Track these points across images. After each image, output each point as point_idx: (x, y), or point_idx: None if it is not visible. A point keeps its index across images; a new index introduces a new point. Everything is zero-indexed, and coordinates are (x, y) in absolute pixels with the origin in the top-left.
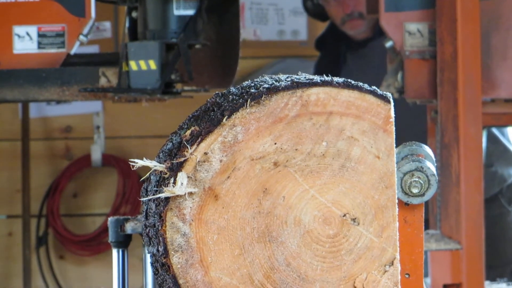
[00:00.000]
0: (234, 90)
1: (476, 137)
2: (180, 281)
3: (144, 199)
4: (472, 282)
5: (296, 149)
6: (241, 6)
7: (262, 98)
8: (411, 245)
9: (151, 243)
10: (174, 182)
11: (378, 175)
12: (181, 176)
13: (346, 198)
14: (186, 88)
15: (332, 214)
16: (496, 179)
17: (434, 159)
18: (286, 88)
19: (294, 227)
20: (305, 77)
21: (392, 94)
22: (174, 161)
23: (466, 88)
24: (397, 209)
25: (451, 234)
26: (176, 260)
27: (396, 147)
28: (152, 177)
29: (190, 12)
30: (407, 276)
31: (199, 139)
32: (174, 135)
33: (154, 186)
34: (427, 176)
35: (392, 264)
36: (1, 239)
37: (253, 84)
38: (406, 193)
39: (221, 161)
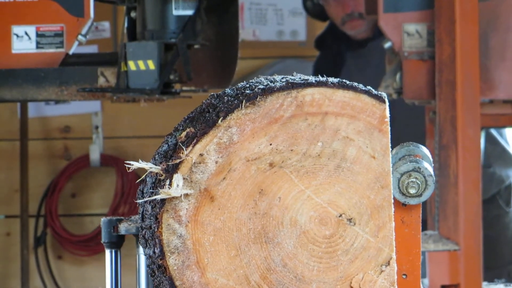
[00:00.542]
0: (229, 91)
1: (475, 138)
2: (177, 283)
3: (140, 201)
4: (470, 283)
5: (292, 150)
6: (240, 6)
7: (257, 99)
8: (409, 246)
9: (148, 245)
10: (170, 184)
11: (374, 175)
12: (177, 178)
13: (342, 198)
14: (184, 88)
15: (328, 214)
16: (494, 180)
17: (431, 159)
18: (281, 89)
19: (290, 227)
20: (300, 78)
21: (390, 95)
22: (169, 163)
23: (465, 89)
24: (393, 209)
25: (449, 235)
26: (172, 261)
27: (394, 147)
28: (148, 179)
29: (189, 12)
30: (404, 276)
31: (195, 140)
32: (169, 136)
33: (150, 188)
34: (424, 177)
35: (389, 264)
36: None
37: (248, 85)
38: (403, 194)
39: (216, 162)
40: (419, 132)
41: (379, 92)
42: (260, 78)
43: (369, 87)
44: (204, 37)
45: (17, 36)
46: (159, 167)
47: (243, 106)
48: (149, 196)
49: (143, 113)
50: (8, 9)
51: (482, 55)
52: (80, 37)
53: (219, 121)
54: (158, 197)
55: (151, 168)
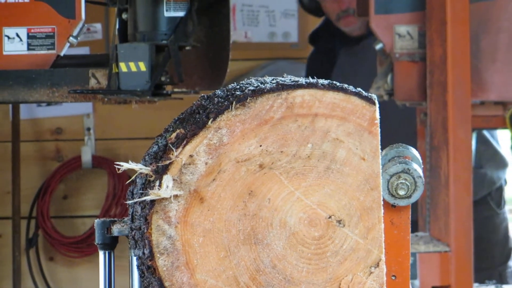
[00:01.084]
0: (219, 92)
1: (465, 139)
2: (166, 284)
3: (130, 202)
4: (460, 284)
5: (282, 151)
6: (232, 8)
7: (247, 101)
8: (398, 247)
9: (137, 245)
10: (160, 185)
11: (364, 177)
12: (167, 179)
13: (331, 200)
14: (176, 90)
15: (317, 216)
16: (485, 181)
17: (421, 161)
18: (271, 90)
19: (279, 229)
20: (290, 79)
21: (381, 96)
22: (159, 164)
23: (456, 90)
24: (382, 210)
25: (440, 236)
26: (162, 262)
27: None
28: (138, 180)
29: (180, 13)
30: (393, 278)
31: (185, 141)
32: (159, 137)
33: (140, 189)
34: (413, 178)
35: (378, 265)
36: None
37: (238, 87)
38: (392, 195)
39: (206, 163)
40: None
41: (369, 94)
42: (250, 80)
43: (359, 89)
44: (195, 38)
45: (8, 37)
46: (149, 168)
47: (233, 107)
48: (139, 197)
49: (135, 114)
50: None
51: (473, 56)
52: (71, 38)
53: (209, 122)
54: (147, 198)
55: (141, 169)
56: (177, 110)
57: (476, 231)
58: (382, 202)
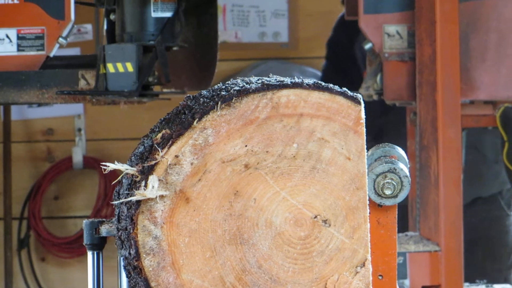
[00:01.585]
0: (205, 92)
1: (455, 138)
2: (152, 284)
3: (116, 202)
4: (451, 284)
5: (267, 151)
6: (222, 8)
7: (233, 101)
8: (384, 247)
9: (123, 246)
10: (145, 185)
11: (349, 177)
12: (152, 179)
13: (317, 199)
14: (164, 90)
15: (303, 216)
16: (499, 178)
17: (407, 160)
18: (257, 90)
19: (265, 229)
20: (275, 79)
21: (371, 96)
22: (145, 164)
23: (445, 90)
24: (368, 210)
25: (430, 235)
26: (147, 263)
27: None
28: (124, 181)
29: (168, 14)
30: (380, 277)
31: (170, 142)
32: (145, 138)
33: (126, 189)
34: (400, 178)
35: (364, 265)
36: None
37: (224, 87)
38: (379, 195)
39: (192, 164)
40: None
41: (355, 94)
42: (236, 80)
43: (344, 89)
44: (183, 39)
45: None
46: (135, 169)
47: (218, 107)
48: (125, 198)
49: (126, 115)
50: None
51: (462, 56)
52: (61, 39)
53: (195, 122)
54: (133, 198)
55: (127, 169)
56: (168, 111)
57: (485, 231)
58: (367, 202)
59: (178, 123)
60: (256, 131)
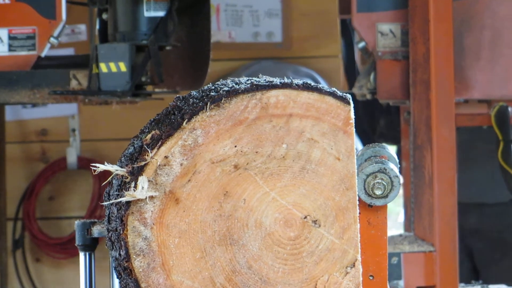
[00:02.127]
0: (194, 93)
1: (449, 138)
2: (142, 285)
3: (106, 203)
4: (445, 285)
5: (257, 152)
6: (216, 8)
7: (222, 101)
8: (375, 247)
9: (114, 247)
10: (135, 186)
11: (339, 177)
12: (142, 180)
13: (306, 200)
14: (157, 90)
15: (293, 216)
16: None
17: (397, 160)
18: (246, 91)
19: (255, 229)
20: (264, 80)
21: (364, 95)
22: (135, 165)
23: (439, 89)
24: (358, 210)
25: (424, 236)
26: (138, 264)
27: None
28: (114, 181)
29: (161, 13)
30: (371, 278)
31: (160, 142)
32: (135, 139)
33: (116, 190)
34: (390, 178)
35: (354, 265)
36: None
37: (213, 87)
38: (369, 195)
39: (181, 164)
40: None
41: (344, 94)
42: (226, 80)
43: (333, 89)
44: (175, 38)
45: None
46: (125, 170)
47: (207, 108)
48: (115, 199)
49: (120, 115)
50: None
51: (456, 54)
52: (52, 39)
53: (184, 123)
54: (123, 199)
55: (116, 170)
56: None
57: (503, 233)
58: (357, 202)
59: (168, 124)
60: (245, 131)
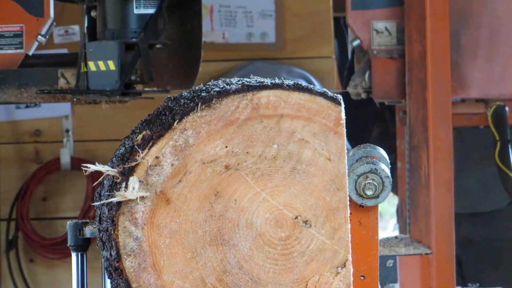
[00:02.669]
0: (186, 94)
1: (446, 138)
2: (133, 285)
3: (97, 203)
4: None
5: (247, 152)
6: (209, 9)
7: (213, 102)
8: (366, 247)
9: (105, 247)
10: (126, 187)
11: (330, 177)
12: (133, 181)
13: (297, 200)
14: (147, 89)
15: (283, 216)
16: None
17: (388, 161)
18: (237, 91)
19: (246, 230)
20: (256, 80)
21: (359, 94)
22: (125, 166)
23: (436, 88)
24: (348, 211)
25: (420, 238)
26: (128, 264)
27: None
28: (105, 182)
29: (151, 10)
30: (362, 278)
31: (151, 143)
32: (126, 139)
33: (107, 191)
34: (381, 178)
35: (345, 266)
36: None
37: (204, 88)
38: (360, 195)
39: (172, 165)
40: None
41: (335, 95)
42: (217, 81)
43: (324, 89)
44: (166, 36)
45: None
46: (115, 170)
47: (198, 108)
48: (106, 199)
49: (113, 116)
50: None
51: (453, 52)
52: (40, 37)
53: (175, 123)
54: (114, 199)
55: (107, 170)
56: None
57: (502, 239)
58: (348, 203)
59: (159, 124)
60: (236, 132)
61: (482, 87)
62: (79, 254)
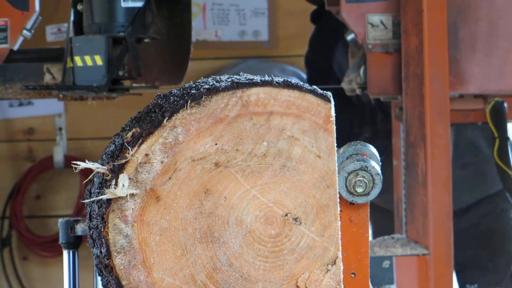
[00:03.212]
0: (175, 91)
1: (444, 134)
2: (123, 282)
3: (87, 201)
4: None
5: (237, 150)
6: (202, 7)
7: (202, 99)
8: (357, 245)
9: (95, 244)
10: (116, 184)
11: (320, 175)
12: (123, 178)
13: (287, 197)
14: (135, 84)
15: (273, 214)
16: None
17: (379, 158)
18: (226, 89)
19: (236, 227)
20: (245, 78)
21: (354, 90)
22: (115, 163)
23: (433, 83)
24: (338, 208)
25: (417, 238)
26: (119, 261)
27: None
28: (95, 179)
29: (139, 4)
30: (352, 275)
31: (140, 140)
32: (116, 137)
33: (97, 188)
34: (371, 176)
35: (335, 263)
36: None
37: (194, 85)
38: (351, 193)
39: (162, 162)
40: None
41: (325, 92)
42: (206, 78)
43: (314, 86)
44: (154, 30)
45: None
46: (105, 167)
47: (188, 106)
48: (96, 196)
49: (106, 114)
50: None
51: (451, 47)
52: (25, 32)
53: (165, 121)
54: (104, 197)
55: (97, 168)
56: None
57: (490, 224)
58: (338, 200)
59: (148, 122)
60: (226, 129)
61: (481, 82)
62: (71, 251)
